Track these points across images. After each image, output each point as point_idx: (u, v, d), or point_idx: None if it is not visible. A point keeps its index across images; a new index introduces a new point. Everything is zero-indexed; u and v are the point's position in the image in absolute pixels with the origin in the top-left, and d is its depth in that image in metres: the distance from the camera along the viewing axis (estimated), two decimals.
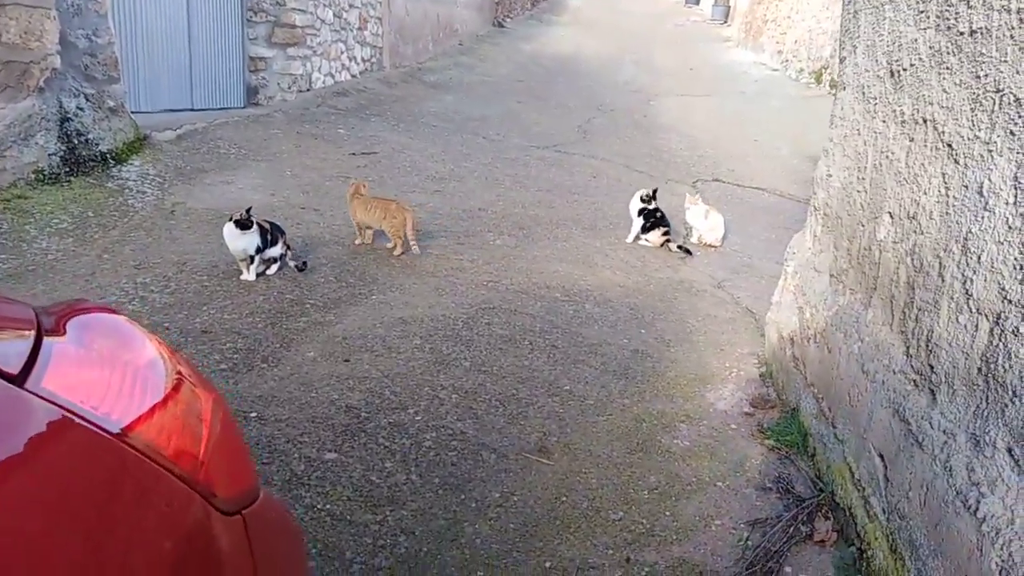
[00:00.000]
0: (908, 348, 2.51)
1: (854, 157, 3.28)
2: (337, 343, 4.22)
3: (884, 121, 2.98)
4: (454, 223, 6.61)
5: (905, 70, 2.80)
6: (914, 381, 2.43)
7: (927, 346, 2.37)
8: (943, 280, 2.32)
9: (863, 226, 3.10)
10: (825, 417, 3.12)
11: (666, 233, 6.69)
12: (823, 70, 14.95)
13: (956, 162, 2.33)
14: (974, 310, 2.12)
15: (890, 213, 2.83)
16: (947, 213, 2.36)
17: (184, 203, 6.24)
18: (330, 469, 3.11)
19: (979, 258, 2.12)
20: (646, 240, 6.70)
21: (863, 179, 3.15)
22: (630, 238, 6.74)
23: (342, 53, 11.95)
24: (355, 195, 5.64)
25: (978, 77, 2.24)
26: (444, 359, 4.13)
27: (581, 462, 3.28)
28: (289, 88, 10.58)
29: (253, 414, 3.48)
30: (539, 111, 12.29)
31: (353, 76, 12.43)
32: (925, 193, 2.54)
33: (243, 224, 4.74)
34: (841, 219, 3.36)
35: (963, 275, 2.21)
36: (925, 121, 2.60)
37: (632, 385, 4.01)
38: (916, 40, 2.70)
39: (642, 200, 6.66)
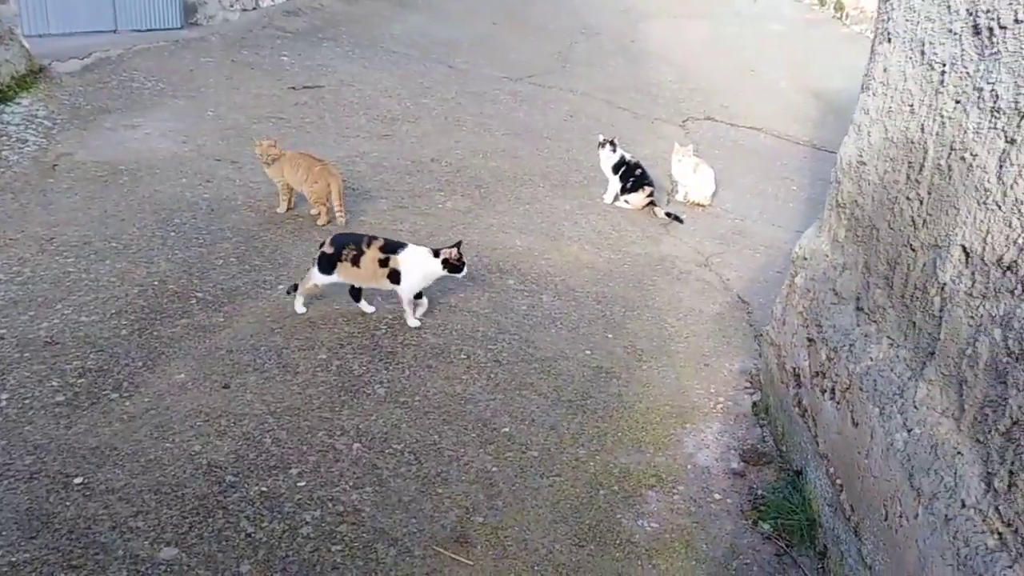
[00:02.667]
0: (992, 476, 1.62)
1: (904, 145, 2.31)
2: (219, 358, 3.30)
3: (959, 102, 2.00)
4: (399, 179, 5.58)
5: (1005, 28, 1.81)
6: (1001, 538, 1.55)
7: None
8: None
9: (914, 252, 2.16)
10: (845, 516, 2.26)
11: (651, 194, 5.70)
12: None
13: None
14: None
15: (964, 248, 1.89)
16: None
17: (72, 155, 5.17)
18: None
19: None
20: (626, 201, 5.72)
21: (918, 182, 2.19)
22: (608, 198, 5.75)
23: None
24: (267, 153, 4.60)
25: None
26: (353, 384, 3.22)
27: (511, 560, 2.43)
28: (232, 6, 9.28)
29: (78, 480, 2.59)
30: (516, 34, 10.99)
31: None
32: None
33: (452, 267, 3.62)
34: (878, 230, 2.41)
35: None
36: None
37: (590, 423, 3.13)
38: None
39: (600, 147, 5.64)
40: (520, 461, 2.87)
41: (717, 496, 2.76)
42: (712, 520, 2.65)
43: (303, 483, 2.67)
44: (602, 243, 5.01)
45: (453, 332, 3.69)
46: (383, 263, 3.56)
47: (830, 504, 2.39)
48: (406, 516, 2.56)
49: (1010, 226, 1.70)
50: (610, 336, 3.84)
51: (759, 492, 2.76)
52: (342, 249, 3.57)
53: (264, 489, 2.63)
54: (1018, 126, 1.72)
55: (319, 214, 4.71)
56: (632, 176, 5.62)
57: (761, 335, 3.56)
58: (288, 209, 4.80)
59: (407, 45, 9.64)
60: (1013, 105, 1.75)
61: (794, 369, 2.89)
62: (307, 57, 8.38)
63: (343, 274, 3.61)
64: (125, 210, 4.47)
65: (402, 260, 3.57)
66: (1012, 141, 1.74)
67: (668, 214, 5.66)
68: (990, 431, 1.65)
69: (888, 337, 2.24)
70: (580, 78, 9.35)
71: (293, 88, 7.34)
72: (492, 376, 3.38)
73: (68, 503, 2.48)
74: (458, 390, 3.25)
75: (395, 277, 3.58)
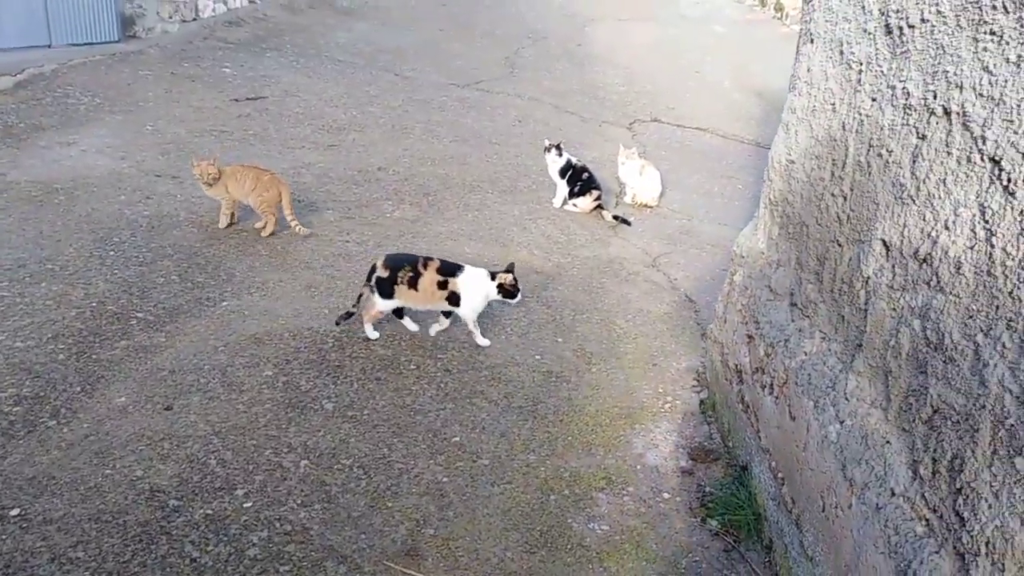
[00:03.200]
0: (917, 464, 1.67)
1: (827, 143, 2.37)
2: (161, 380, 3.23)
3: (875, 100, 2.07)
4: (345, 189, 5.54)
5: (912, 27, 1.87)
6: (928, 524, 1.60)
7: (952, 480, 1.53)
8: (984, 385, 1.46)
9: (840, 247, 2.22)
10: (787, 509, 2.30)
11: (598, 198, 5.75)
12: None
13: (1010, 194, 1.44)
14: None
15: (884, 242, 1.95)
16: (990, 273, 1.49)
17: (4, 175, 5.02)
18: None
19: None
20: (574, 205, 5.76)
21: (841, 178, 2.25)
22: (556, 203, 5.79)
23: None
24: (206, 173, 4.49)
25: None
26: (300, 399, 3.18)
27: (463, 571, 2.42)
28: (171, 17, 9.09)
29: (14, 512, 2.51)
30: (462, 40, 11.00)
31: (251, 1, 10.87)
32: (947, 228, 1.66)
33: (507, 293, 3.57)
34: (807, 227, 2.47)
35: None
36: (948, 113, 1.69)
37: (541, 428, 3.14)
38: None
39: (545, 151, 5.68)
40: (471, 470, 2.86)
41: (666, 495, 2.79)
42: (662, 519, 2.68)
43: (249, 504, 2.63)
44: (551, 248, 5.04)
45: (402, 343, 3.67)
46: (442, 285, 3.49)
47: (774, 498, 2.43)
48: (355, 532, 2.54)
49: (924, 219, 1.76)
50: (560, 340, 3.86)
51: (707, 489, 2.80)
52: (397, 271, 3.49)
53: (209, 512, 2.58)
54: (928, 122, 1.78)
55: (265, 224, 4.64)
56: (579, 180, 5.67)
57: (707, 334, 3.62)
58: (230, 224, 4.71)
59: (352, 54, 9.57)
60: (923, 102, 1.81)
61: (736, 366, 2.95)
62: (250, 68, 8.27)
63: (401, 297, 3.53)
64: (61, 230, 4.35)
65: (462, 282, 3.50)
66: (923, 137, 1.80)
67: (616, 217, 5.71)
68: (914, 420, 1.70)
69: (820, 331, 2.30)
70: (527, 83, 9.39)
71: (236, 100, 7.23)
72: (442, 386, 3.37)
73: (4, 536, 2.41)
74: (408, 401, 3.23)
75: (455, 299, 3.52)
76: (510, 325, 3.95)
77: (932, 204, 1.73)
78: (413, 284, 3.48)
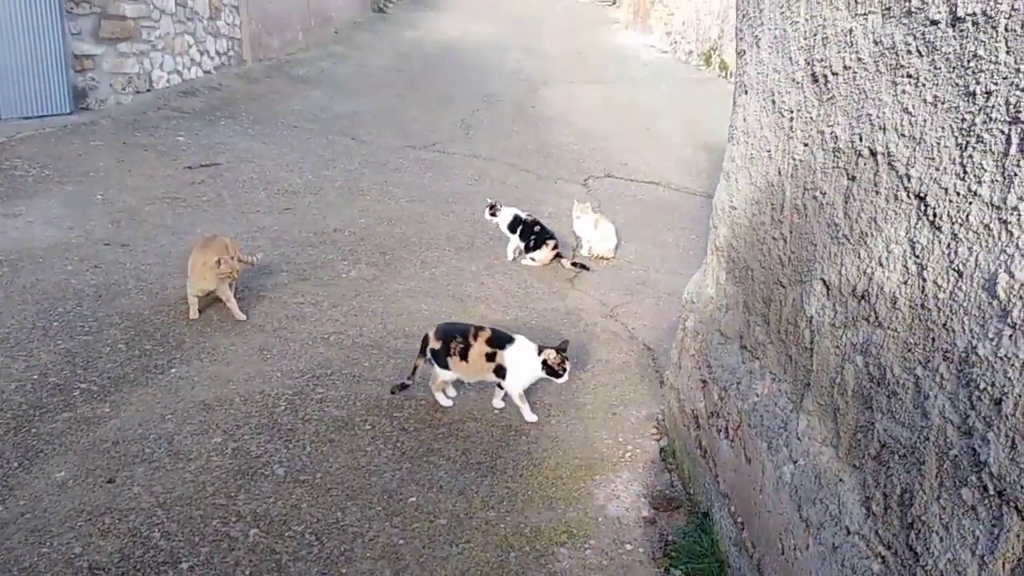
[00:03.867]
0: (870, 501, 1.66)
1: (765, 189, 2.43)
2: (103, 452, 3.11)
3: (807, 145, 2.13)
4: (300, 251, 5.50)
5: (836, 74, 1.94)
6: (884, 561, 1.58)
7: (903, 515, 1.52)
8: (926, 417, 1.47)
9: (784, 288, 2.25)
10: (748, 554, 2.27)
11: (555, 247, 5.80)
12: (712, 52, 14.47)
13: (937, 228, 1.48)
14: (992, 492, 1.27)
15: (824, 281, 1.98)
16: (924, 307, 1.51)
17: None
18: None
19: (997, 404, 1.27)
20: (532, 260, 5.79)
21: (780, 222, 2.30)
22: (509, 255, 5.82)
23: (190, 47, 10.46)
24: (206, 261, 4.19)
25: (971, 95, 1.38)
26: (251, 466, 3.08)
27: None
28: (124, 89, 9.08)
29: None
30: (418, 105, 11.18)
31: (207, 72, 10.94)
32: (881, 265, 1.69)
33: (550, 371, 3.40)
34: (752, 270, 2.51)
35: (964, 419, 1.36)
36: (874, 154, 1.75)
37: (500, 484, 3.08)
38: (852, 31, 1.85)
39: (490, 212, 5.74)
40: (428, 531, 2.78)
41: (628, 546, 2.74)
42: (625, 572, 2.62)
43: None
44: (509, 301, 5.04)
45: (357, 402, 3.60)
46: (490, 357, 3.37)
47: (735, 544, 2.40)
48: None
49: (859, 257, 1.80)
50: None
51: (670, 538, 2.75)
52: (450, 342, 3.40)
53: None
54: (856, 164, 1.84)
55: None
56: (532, 234, 5.71)
57: (664, 380, 3.62)
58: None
59: (308, 120, 9.66)
60: (850, 144, 1.87)
61: (693, 411, 2.94)
62: (204, 136, 8.27)
63: (454, 368, 3.43)
64: (3, 301, 4.23)
65: (508, 356, 3.36)
66: (853, 178, 1.85)
67: (575, 264, 5.77)
68: (863, 456, 1.70)
69: (770, 372, 2.31)
70: (483, 144, 9.54)
71: (189, 167, 7.20)
72: (398, 445, 3.29)
73: None
74: (362, 463, 3.15)
75: (501, 372, 3.39)
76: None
77: (866, 242, 1.76)
78: (464, 355, 3.38)
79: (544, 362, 3.31)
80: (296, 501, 2.89)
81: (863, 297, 1.76)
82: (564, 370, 3.32)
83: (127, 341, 4.01)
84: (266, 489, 2.96)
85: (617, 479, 3.14)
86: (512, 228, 5.73)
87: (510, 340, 3.39)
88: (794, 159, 2.22)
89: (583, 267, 5.78)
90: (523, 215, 5.77)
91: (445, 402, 3.60)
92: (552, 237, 5.81)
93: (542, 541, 2.75)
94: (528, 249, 5.76)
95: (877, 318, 1.69)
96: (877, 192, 1.72)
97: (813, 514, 1.83)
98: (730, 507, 2.46)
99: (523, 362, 3.35)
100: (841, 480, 1.81)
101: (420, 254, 5.72)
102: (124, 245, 5.27)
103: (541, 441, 3.40)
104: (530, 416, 3.53)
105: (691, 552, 2.60)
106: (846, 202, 1.88)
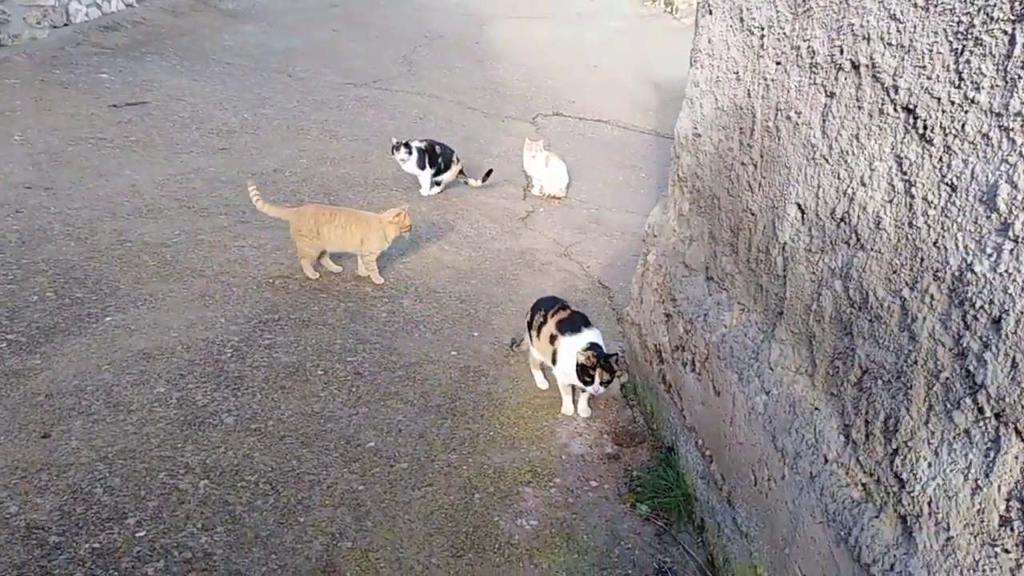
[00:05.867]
0: (849, 429, 1.62)
1: (733, 112, 2.33)
2: (36, 405, 2.90)
3: (779, 63, 2.03)
4: (239, 193, 5.21)
5: None
6: (865, 489, 1.55)
7: (887, 442, 1.48)
8: (914, 340, 1.42)
9: (754, 216, 2.17)
10: (717, 487, 2.25)
11: (458, 162, 5.82)
12: None
13: (927, 142, 1.41)
14: (989, 413, 1.22)
15: (799, 205, 1.91)
16: (912, 225, 1.45)
17: None
18: None
19: (995, 324, 1.21)
20: (437, 184, 5.72)
21: (750, 147, 2.21)
22: (424, 191, 5.67)
23: None
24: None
25: None
26: (197, 416, 2.93)
27: None
28: (39, 23, 8.41)
29: None
30: (357, 41, 10.70)
31: (128, 5, 10.21)
32: (863, 185, 1.62)
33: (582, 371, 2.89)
34: (719, 199, 2.43)
35: (957, 341, 1.31)
36: (856, 67, 1.66)
37: (461, 426, 3.00)
38: None
39: (393, 151, 5.54)
40: (388, 476, 2.69)
41: (594, 483, 2.70)
42: (591, 509, 2.58)
43: (142, 532, 2.37)
44: (462, 242, 4.90)
45: (308, 348, 3.45)
46: (552, 340, 3.03)
47: (702, 477, 2.38)
48: (265, 553, 2.33)
49: (839, 178, 1.72)
50: (476, 334, 3.73)
51: (635, 474, 2.72)
52: (535, 315, 3.16)
53: (96, 546, 2.32)
54: (836, 79, 1.75)
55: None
56: (437, 158, 5.62)
57: (623, 317, 3.56)
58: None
59: (241, 56, 9.14)
60: (829, 59, 1.77)
61: (656, 346, 2.89)
62: (129, 73, 7.75)
63: (534, 343, 3.17)
64: None
65: (563, 344, 2.95)
66: (832, 95, 1.76)
67: (486, 176, 5.87)
68: (842, 383, 1.66)
69: (739, 303, 2.25)
70: (428, 81, 9.21)
71: (115, 106, 6.75)
72: (353, 390, 3.17)
73: None
74: (316, 409, 3.03)
75: (555, 359, 3.02)
76: (423, 322, 3.79)
77: (846, 161, 1.69)
78: (539, 331, 3.12)
79: (577, 362, 2.84)
80: (248, 450, 2.76)
81: (843, 220, 1.70)
82: (591, 378, 2.78)
83: (56, 289, 3.75)
84: (215, 439, 2.81)
85: (579, 417, 3.10)
86: (421, 165, 5.58)
87: (575, 330, 2.97)
88: (765, 79, 2.12)
89: (488, 173, 5.90)
90: (420, 144, 5.62)
91: (540, 383, 3.29)
92: (453, 152, 5.79)
93: (506, 481, 2.69)
94: (439, 172, 5.65)
95: (859, 240, 1.62)
96: (860, 107, 1.64)
97: (789, 444, 1.80)
98: (697, 440, 2.43)
99: (568, 355, 2.92)
100: (817, 409, 1.77)
101: (366, 195, 5.51)
102: (47, 188, 4.91)
103: (501, 382, 3.32)
104: (569, 409, 3.14)
105: (656, 487, 2.57)
106: (824, 121, 1.79)
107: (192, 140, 6.20)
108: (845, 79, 1.70)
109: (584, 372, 2.79)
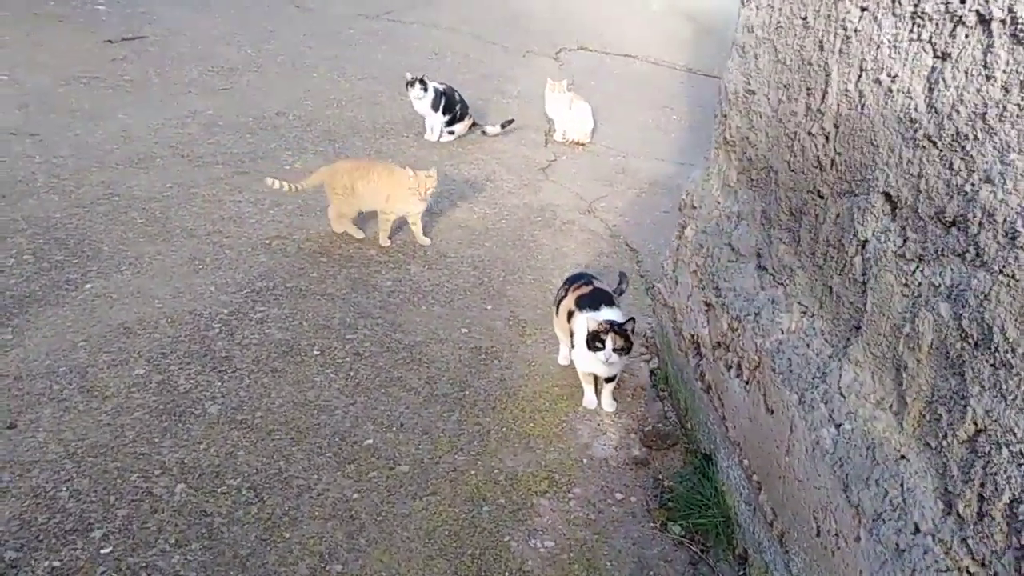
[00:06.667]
0: (953, 497, 1.27)
1: (799, 68, 1.91)
2: (4, 390, 2.63)
3: (866, 8, 1.60)
4: (238, 139, 4.85)
5: None
6: None
7: (1012, 531, 1.13)
8: None
9: (823, 200, 1.77)
10: (767, 521, 1.91)
11: (471, 116, 5.47)
12: None
13: None
14: None
15: (889, 196, 1.51)
16: None
17: None
18: None
19: None
20: (451, 133, 5.37)
21: (820, 112, 1.79)
22: (432, 136, 5.25)
23: None
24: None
25: None
26: (178, 404, 2.64)
27: None
28: None
29: None
30: None
31: None
32: (990, 182, 1.22)
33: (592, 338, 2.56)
34: (776, 173, 2.02)
35: None
36: (985, 21, 1.24)
37: (470, 420, 2.68)
38: None
39: (408, 86, 5.11)
40: (387, 481, 2.39)
41: (619, 495, 2.39)
42: (615, 528, 2.27)
43: (108, 549, 2.10)
44: (476, 197, 4.51)
45: (304, 322, 3.13)
46: (570, 316, 2.73)
47: (747, 502, 2.04)
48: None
49: (951, 168, 1.32)
50: (489, 308, 3.38)
51: (666, 483, 2.40)
52: (561, 289, 2.88)
53: (56, 564, 2.05)
54: (952, 35, 1.32)
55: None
56: (457, 104, 5.26)
57: (653, 289, 3.19)
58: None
59: None
60: (943, 8, 1.34)
61: (693, 336, 2.53)
62: (127, 5, 7.29)
63: (554, 319, 2.90)
64: None
65: (578, 322, 2.64)
66: (945, 56, 1.34)
67: (503, 124, 5.48)
68: (945, 436, 1.30)
69: (799, 304, 1.87)
70: (444, 11, 8.65)
71: (110, 41, 6.32)
72: (352, 374, 2.86)
73: None
74: (310, 397, 2.72)
75: (572, 338, 2.72)
76: (432, 292, 3.45)
77: (963, 148, 1.28)
78: (558, 306, 2.85)
79: (588, 328, 2.53)
80: (231, 448, 2.47)
81: (954, 223, 1.30)
82: (603, 344, 2.47)
83: (34, 251, 3.44)
84: (196, 433, 2.52)
85: (602, 410, 2.77)
86: (435, 106, 5.15)
87: (594, 307, 2.64)
88: (845, 29, 1.69)
89: (509, 122, 5.52)
90: (441, 87, 5.18)
91: (563, 359, 3.00)
92: (468, 107, 5.45)
93: (519, 491, 2.38)
94: (454, 121, 5.23)
95: (980, 256, 1.23)
96: (989, 77, 1.22)
97: (866, 499, 1.45)
98: (741, 460, 2.09)
99: (582, 332, 2.59)
100: (905, 459, 1.41)
101: (375, 142, 5.11)
102: (33, 135, 4.56)
103: (515, 366, 2.99)
104: (591, 401, 2.80)
105: (690, 502, 2.25)
106: (931, 91, 1.38)
107: (191, 79, 5.79)
108: (967, 37, 1.28)
109: (595, 339, 2.48)
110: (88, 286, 3.25)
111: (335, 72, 6.36)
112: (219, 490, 2.32)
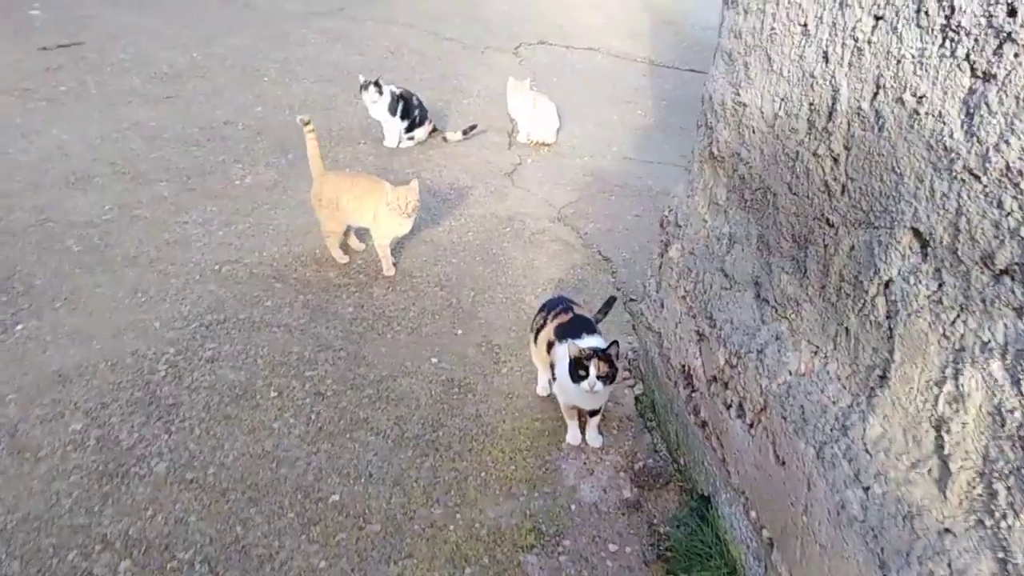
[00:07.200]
0: None
1: (799, 81, 1.72)
2: None
3: (881, 18, 1.41)
4: (183, 153, 4.54)
5: None
6: None
7: None
8: None
9: (834, 229, 1.59)
10: None
11: (431, 121, 5.22)
12: None
13: None
14: None
15: (919, 233, 1.32)
16: None
17: None
18: None
19: None
20: (410, 139, 5.08)
21: (827, 132, 1.60)
22: (391, 143, 4.99)
23: None
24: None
25: None
26: (121, 463, 2.37)
27: None
28: None
29: None
30: None
31: None
32: None
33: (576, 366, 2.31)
34: (774, 195, 1.84)
35: None
36: None
37: (446, 465, 2.47)
38: None
39: (362, 90, 4.83)
40: (357, 544, 2.16)
41: (612, 546, 2.19)
42: None
43: None
44: (440, 207, 4.27)
45: (259, 359, 2.88)
46: (550, 347, 2.52)
47: (756, 557, 1.86)
48: None
49: (1000, 206, 1.14)
50: (459, 332, 3.16)
51: (661, 530, 2.21)
52: (537, 318, 2.65)
53: None
54: (997, 53, 1.14)
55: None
56: (415, 109, 5.02)
57: (632, 306, 3.00)
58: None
59: None
60: (984, 22, 1.16)
61: (683, 367, 2.34)
62: (64, 9, 6.87)
63: (532, 348, 2.68)
64: None
65: (559, 352, 2.43)
66: (989, 77, 1.16)
67: (466, 131, 5.23)
68: (1004, 516, 1.12)
69: (809, 343, 1.69)
70: (400, 6, 8.34)
71: (45, 48, 5.93)
72: (313, 418, 2.62)
73: None
74: (268, 447, 2.48)
75: (553, 370, 2.52)
76: (397, 318, 3.22)
77: (1017, 185, 1.10)
78: (536, 335, 2.63)
79: (569, 355, 2.31)
80: (182, 513, 2.22)
81: (1007, 273, 1.12)
82: (586, 371, 2.25)
83: None
84: (141, 497, 2.27)
85: (588, 446, 2.57)
86: (392, 110, 4.89)
87: (574, 336, 2.41)
88: (855, 39, 1.50)
89: (472, 128, 5.27)
90: (396, 90, 4.93)
91: (541, 389, 2.78)
92: (428, 111, 5.19)
93: (503, 547, 2.17)
94: (413, 127, 4.99)
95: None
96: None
97: None
98: (748, 510, 1.91)
99: (564, 361, 2.37)
100: (950, 532, 1.24)
101: (330, 150, 4.83)
102: None
103: (491, 399, 2.77)
104: (577, 438, 2.58)
105: (690, 550, 2.07)
106: (970, 115, 1.19)
107: (132, 88, 5.44)
108: (1017, 56, 1.10)
109: (578, 366, 2.26)
110: (19, 327, 2.96)
111: (286, 75, 6.05)
112: (168, 566, 2.07)
